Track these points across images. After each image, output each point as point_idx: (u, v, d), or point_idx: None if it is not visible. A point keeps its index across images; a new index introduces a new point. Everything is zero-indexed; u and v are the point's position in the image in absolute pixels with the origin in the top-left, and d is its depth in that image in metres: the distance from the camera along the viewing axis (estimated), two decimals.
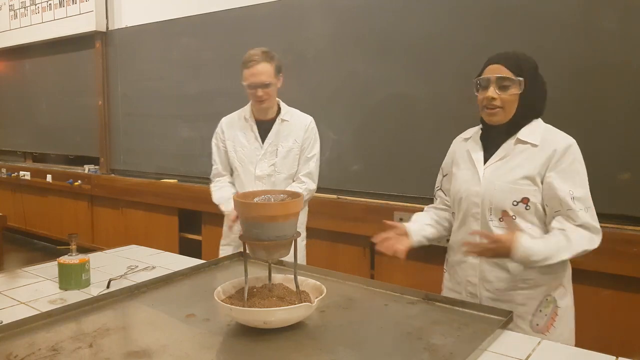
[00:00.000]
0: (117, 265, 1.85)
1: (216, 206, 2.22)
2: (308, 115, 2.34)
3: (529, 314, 1.46)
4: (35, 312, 1.34)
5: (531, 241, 1.39)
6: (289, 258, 1.36)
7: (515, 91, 1.44)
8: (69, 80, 4.73)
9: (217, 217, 2.45)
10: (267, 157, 2.24)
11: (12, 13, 5.07)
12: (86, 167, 4.65)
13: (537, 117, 1.51)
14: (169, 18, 3.83)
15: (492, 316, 1.33)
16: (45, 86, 4.98)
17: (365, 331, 1.25)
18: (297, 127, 2.28)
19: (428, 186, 2.63)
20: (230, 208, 2.09)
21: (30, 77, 5.15)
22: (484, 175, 1.50)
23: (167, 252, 2.10)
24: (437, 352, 1.13)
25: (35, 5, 4.81)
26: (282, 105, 2.32)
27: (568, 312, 1.51)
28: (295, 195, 1.28)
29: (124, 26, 4.26)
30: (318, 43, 3.04)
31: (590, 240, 1.41)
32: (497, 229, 1.47)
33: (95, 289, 1.59)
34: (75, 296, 1.52)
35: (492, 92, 1.45)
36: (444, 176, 1.70)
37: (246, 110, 2.29)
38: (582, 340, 1.52)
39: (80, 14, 4.41)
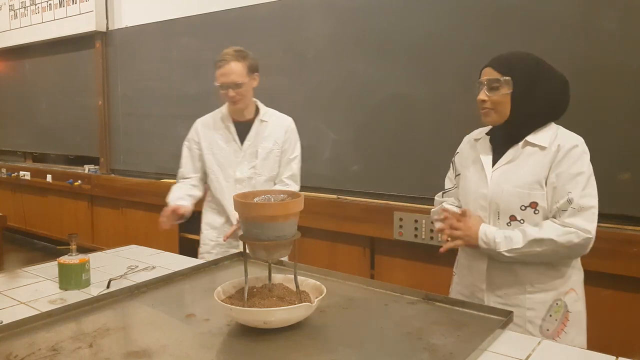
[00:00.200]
0: (117, 265, 1.85)
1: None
2: (288, 116, 2.29)
3: (539, 318, 1.45)
4: (35, 312, 1.34)
5: (494, 227, 1.46)
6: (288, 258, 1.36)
7: (505, 91, 1.44)
8: (69, 80, 4.73)
9: None
10: (247, 159, 2.18)
11: (12, 13, 5.07)
12: (86, 167, 4.65)
13: (548, 121, 1.49)
14: (169, 18, 3.83)
15: (492, 316, 1.33)
16: (45, 86, 4.98)
17: (365, 331, 1.25)
18: (277, 128, 2.22)
19: (428, 186, 2.64)
20: (174, 204, 2.06)
21: (30, 77, 5.15)
22: (492, 178, 1.50)
23: (167, 252, 2.10)
24: (437, 352, 1.13)
25: (35, 5, 4.81)
26: (260, 105, 2.25)
27: (580, 318, 1.50)
28: (295, 195, 1.28)
29: (124, 26, 4.26)
30: (318, 43, 3.04)
31: (564, 235, 1.38)
32: None
33: (95, 289, 1.59)
34: (75, 296, 1.52)
35: (482, 94, 1.48)
36: (457, 175, 1.67)
37: (222, 111, 2.23)
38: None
39: (80, 14, 4.41)
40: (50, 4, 4.66)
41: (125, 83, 4.22)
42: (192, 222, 2.71)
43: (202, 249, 2.27)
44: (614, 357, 1.13)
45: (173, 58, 3.87)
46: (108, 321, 1.32)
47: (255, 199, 1.28)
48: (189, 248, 3.65)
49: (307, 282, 1.37)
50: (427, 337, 1.21)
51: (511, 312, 1.33)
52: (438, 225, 1.62)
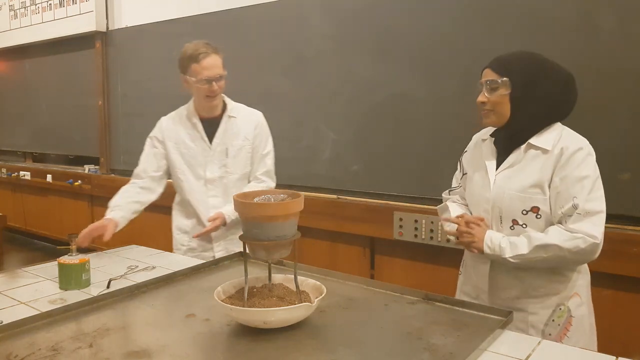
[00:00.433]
0: (117, 265, 1.85)
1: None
2: (257, 111, 2.23)
3: (541, 323, 1.45)
4: (35, 312, 1.34)
5: (500, 233, 1.45)
6: (288, 258, 1.36)
7: (503, 92, 1.43)
8: (69, 80, 4.73)
9: None
10: (217, 158, 2.11)
11: (12, 13, 5.06)
12: (86, 167, 4.65)
13: (553, 122, 1.47)
14: (169, 18, 3.83)
15: (492, 316, 1.33)
16: (45, 86, 4.97)
17: (365, 331, 1.25)
18: (246, 123, 2.15)
19: (428, 186, 2.65)
20: (111, 216, 1.96)
21: (30, 77, 5.15)
22: (495, 182, 1.49)
23: (167, 252, 2.10)
24: (437, 352, 1.13)
25: (35, 5, 4.80)
26: (228, 100, 2.17)
27: (584, 322, 1.48)
28: (295, 195, 1.28)
29: (124, 26, 4.26)
30: (318, 43, 3.04)
31: (570, 241, 1.35)
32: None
33: (95, 289, 1.59)
34: (75, 296, 1.52)
35: (481, 96, 1.47)
36: (463, 174, 1.66)
37: (188, 108, 2.15)
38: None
39: (80, 14, 4.41)
40: (50, 4, 4.66)
41: (125, 83, 4.22)
42: None
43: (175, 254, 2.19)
44: (614, 357, 1.13)
45: (173, 58, 3.84)
46: (108, 321, 1.32)
47: (255, 199, 1.28)
48: None
49: (307, 282, 1.37)
50: (427, 337, 1.21)
51: (511, 312, 1.33)
52: (447, 227, 1.61)
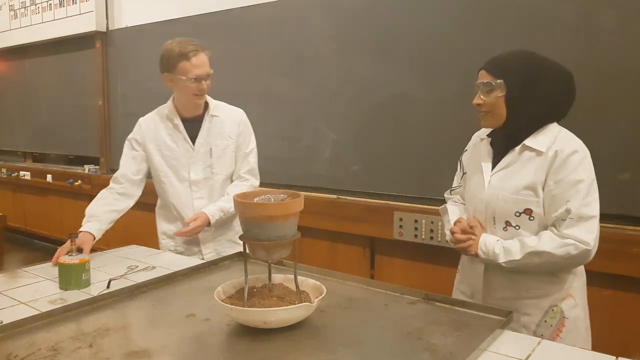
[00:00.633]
0: (117, 265, 1.85)
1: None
2: (239, 109, 2.18)
3: (534, 324, 1.45)
4: (35, 312, 1.34)
5: (494, 237, 1.45)
6: (288, 258, 1.36)
7: (498, 94, 1.42)
8: (69, 80, 4.73)
9: None
10: (200, 159, 2.06)
11: (12, 13, 5.06)
12: (86, 167, 4.65)
13: (550, 121, 1.46)
14: (169, 18, 3.83)
15: (492, 316, 1.33)
16: (45, 86, 4.97)
17: (365, 331, 1.25)
18: (229, 122, 2.11)
19: (428, 186, 2.65)
20: (87, 229, 1.93)
21: (30, 77, 5.15)
22: (490, 183, 1.48)
23: (167, 252, 2.10)
24: (437, 352, 1.13)
25: (35, 5, 4.80)
26: (209, 99, 2.10)
27: (578, 324, 1.48)
28: (295, 195, 1.28)
29: (124, 26, 4.26)
30: (318, 43, 3.04)
31: (562, 247, 1.35)
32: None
33: (95, 289, 1.59)
34: (75, 296, 1.52)
35: (476, 98, 1.46)
36: (463, 174, 1.66)
37: (168, 108, 2.08)
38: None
39: (80, 14, 4.41)
40: (50, 4, 4.66)
41: (125, 83, 4.22)
42: None
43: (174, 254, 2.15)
44: (614, 357, 1.13)
45: None
46: (108, 321, 1.32)
47: (255, 199, 1.28)
48: None
49: (307, 282, 1.37)
50: (427, 337, 1.21)
51: (511, 312, 1.33)
52: (446, 232, 1.62)
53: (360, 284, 1.58)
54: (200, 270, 1.74)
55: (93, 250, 2.09)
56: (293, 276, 1.31)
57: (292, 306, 1.22)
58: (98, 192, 2.11)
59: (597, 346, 1.32)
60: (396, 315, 1.35)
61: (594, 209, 1.37)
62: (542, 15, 2.28)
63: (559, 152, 1.38)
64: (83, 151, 4.71)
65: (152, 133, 2.09)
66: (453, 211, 1.65)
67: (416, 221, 2.62)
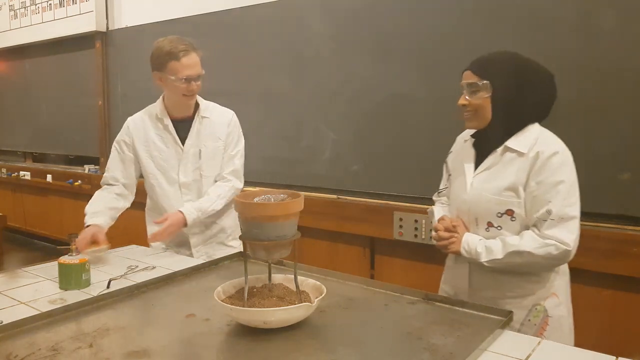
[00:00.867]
0: (117, 265, 1.85)
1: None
2: (229, 110, 2.14)
3: (517, 322, 1.46)
4: (35, 312, 1.34)
5: (477, 236, 1.47)
6: (288, 258, 1.36)
7: (484, 94, 1.43)
8: (69, 80, 4.73)
9: None
10: (190, 161, 2.03)
11: (12, 13, 5.06)
12: (86, 167, 4.65)
13: (532, 122, 1.47)
14: (169, 18, 3.83)
15: (492, 316, 1.33)
16: (45, 86, 4.97)
17: (365, 331, 1.25)
18: (219, 123, 2.07)
19: (428, 186, 2.63)
20: (94, 222, 1.92)
21: (30, 77, 5.15)
22: (472, 184, 1.50)
23: (167, 252, 2.10)
24: (437, 352, 1.13)
25: (35, 5, 4.80)
26: (200, 99, 2.07)
27: (562, 322, 1.49)
28: (295, 195, 1.28)
29: (124, 26, 4.26)
30: (318, 43, 3.04)
31: (543, 247, 1.37)
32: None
33: (95, 289, 1.59)
34: (75, 296, 1.52)
35: (462, 99, 1.47)
36: (449, 175, 1.68)
37: (157, 108, 2.04)
38: (582, 340, 1.52)
39: (80, 14, 4.41)
40: (50, 4, 4.66)
41: (125, 83, 4.22)
42: None
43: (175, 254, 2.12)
44: (614, 357, 1.13)
45: None
46: (108, 321, 1.32)
47: (255, 199, 1.28)
48: None
49: (307, 282, 1.37)
50: (427, 337, 1.21)
51: (511, 312, 1.33)
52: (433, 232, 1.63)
53: (360, 284, 1.58)
54: (200, 270, 1.74)
55: None
56: (293, 276, 1.31)
57: (292, 306, 1.22)
58: (88, 205, 2.10)
59: (597, 346, 1.32)
60: (396, 315, 1.35)
61: (575, 209, 1.39)
62: (542, 15, 2.28)
63: (540, 154, 1.40)
64: (83, 151, 4.71)
65: (141, 134, 2.06)
66: (439, 212, 1.67)
67: (416, 221, 2.62)
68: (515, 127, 1.45)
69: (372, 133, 2.85)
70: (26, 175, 5.14)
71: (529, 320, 1.46)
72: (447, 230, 1.52)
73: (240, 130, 2.15)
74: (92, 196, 2.14)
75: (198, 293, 1.54)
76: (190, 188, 2.05)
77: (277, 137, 3.25)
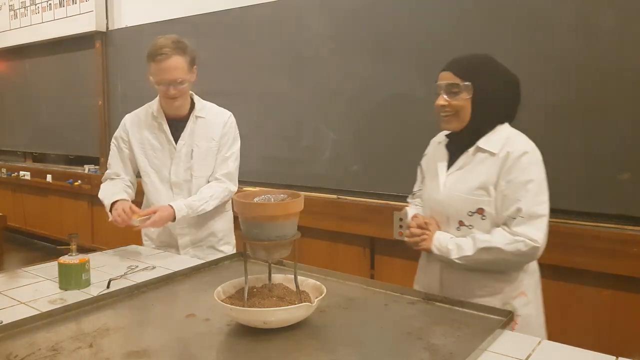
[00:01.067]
0: (117, 265, 1.85)
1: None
2: (226, 110, 2.11)
3: None
4: (35, 312, 1.34)
5: (448, 234, 1.49)
6: (288, 258, 1.36)
7: (465, 96, 1.44)
8: (69, 80, 4.73)
9: None
10: (181, 160, 2.01)
11: (12, 13, 5.07)
12: (86, 167, 4.65)
13: (502, 122, 1.50)
14: (169, 18, 3.83)
15: (492, 316, 1.33)
16: (45, 86, 4.98)
17: (365, 331, 1.25)
18: (214, 123, 2.04)
19: None
20: (117, 198, 1.91)
21: (30, 77, 5.15)
22: (445, 184, 1.52)
23: (167, 252, 2.09)
24: (437, 352, 1.13)
25: (35, 5, 4.81)
26: (197, 99, 2.06)
27: (530, 321, 1.50)
28: (295, 195, 1.28)
29: (124, 26, 4.26)
30: (318, 43, 3.04)
31: (512, 244, 1.39)
32: None
33: (95, 289, 1.59)
34: (75, 296, 1.52)
35: (441, 99, 1.48)
36: (423, 177, 1.71)
37: (154, 106, 2.04)
38: (582, 340, 1.52)
39: (80, 14, 4.41)
40: (50, 4, 4.66)
41: (125, 83, 4.22)
42: None
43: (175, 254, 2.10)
44: (614, 357, 1.13)
45: None
46: (108, 321, 1.32)
47: (255, 199, 1.28)
48: None
49: (307, 282, 1.37)
50: (427, 337, 1.21)
51: (511, 312, 1.33)
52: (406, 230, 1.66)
53: (360, 284, 1.58)
54: (200, 270, 1.74)
55: (92, 250, 2.08)
56: (293, 276, 1.31)
57: (292, 306, 1.22)
58: (98, 192, 2.10)
59: (597, 346, 1.32)
60: (396, 315, 1.35)
61: (544, 208, 1.42)
62: (542, 15, 2.28)
63: (510, 154, 1.42)
64: (83, 151, 4.71)
65: (137, 131, 2.06)
66: (412, 212, 1.69)
67: None
68: (488, 127, 1.49)
69: (372, 133, 2.85)
70: (26, 175, 5.14)
71: None
72: (419, 227, 1.55)
73: (237, 132, 2.12)
74: (92, 196, 2.14)
75: (198, 293, 1.54)
76: (181, 188, 2.04)
77: (277, 137, 3.25)
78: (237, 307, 1.22)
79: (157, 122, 2.04)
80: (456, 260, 1.45)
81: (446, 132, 1.59)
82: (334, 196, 3.00)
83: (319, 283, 1.35)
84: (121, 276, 1.71)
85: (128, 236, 2.24)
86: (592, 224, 2.19)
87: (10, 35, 5.10)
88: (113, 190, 2.01)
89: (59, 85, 4.83)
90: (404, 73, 2.70)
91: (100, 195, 2.03)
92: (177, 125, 2.03)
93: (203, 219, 2.09)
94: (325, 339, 1.21)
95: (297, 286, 1.30)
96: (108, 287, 1.60)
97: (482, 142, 1.47)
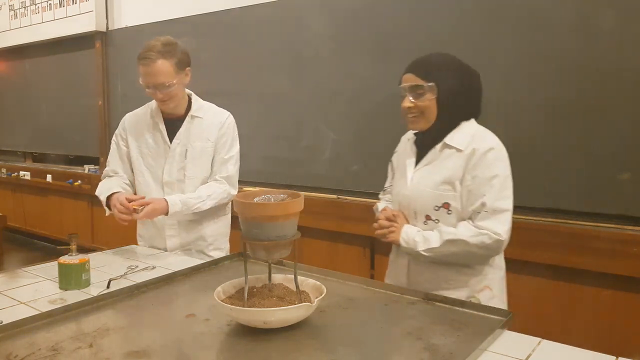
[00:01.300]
0: (117, 265, 1.85)
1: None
2: (225, 111, 2.08)
3: None
4: (35, 312, 1.33)
5: (416, 227, 1.53)
6: (288, 258, 1.36)
7: (430, 96, 1.48)
8: (69, 80, 4.73)
9: None
10: (175, 160, 1.98)
11: (12, 13, 5.07)
12: (86, 167, 4.65)
13: (468, 119, 1.53)
14: (169, 18, 3.83)
15: (492, 316, 1.33)
16: (45, 86, 4.98)
17: (365, 331, 1.25)
18: (211, 124, 2.01)
19: None
20: (112, 191, 1.90)
21: (30, 77, 5.15)
22: (412, 179, 1.56)
23: (167, 252, 2.09)
24: (437, 352, 1.13)
25: (35, 5, 4.81)
26: (195, 99, 2.04)
27: None
28: (295, 195, 1.28)
29: (124, 26, 4.27)
30: (318, 43, 3.04)
31: (477, 237, 1.43)
32: None
33: (95, 289, 1.59)
34: (75, 296, 1.52)
35: (406, 101, 1.51)
36: (393, 174, 1.74)
37: (152, 105, 2.03)
38: (582, 340, 1.52)
39: (80, 14, 4.41)
40: (50, 4, 4.66)
41: (125, 83, 4.22)
42: None
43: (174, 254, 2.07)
44: (614, 357, 1.13)
45: None
46: (108, 321, 1.32)
47: (255, 199, 1.28)
48: None
49: (307, 282, 1.37)
50: (427, 337, 1.21)
51: (511, 312, 1.33)
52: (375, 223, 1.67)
53: (360, 284, 1.57)
54: (200, 270, 1.74)
55: (92, 250, 2.08)
56: (293, 276, 1.31)
57: (292, 306, 1.22)
58: (97, 190, 2.10)
59: (597, 346, 1.32)
60: (396, 315, 1.35)
61: (508, 203, 1.45)
62: (542, 15, 2.28)
63: (477, 150, 1.46)
64: (83, 151, 4.72)
65: (135, 129, 2.05)
66: (382, 206, 1.73)
67: None
68: (454, 124, 1.52)
69: (372, 133, 2.85)
70: (26, 175, 5.14)
71: None
72: (387, 220, 1.58)
73: (236, 133, 2.08)
74: (92, 196, 2.13)
75: (198, 293, 1.54)
76: (173, 188, 2.01)
77: (277, 137, 3.25)
78: (237, 307, 1.22)
79: (154, 121, 2.03)
80: (423, 252, 1.49)
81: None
82: (334, 196, 3.00)
83: (319, 283, 1.35)
84: (121, 276, 1.71)
85: (128, 236, 2.24)
86: (592, 224, 2.19)
87: (10, 35, 5.10)
88: (109, 185, 2.01)
89: (59, 85, 4.83)
90: None
91: (97, 192, 2.03)
92: (174, 124, 2.02)
93: (193, 221, 2.06)
94: (325, 339, 1.21)
95: (297, 286, 1.30)
96: (108, 287, 1.60)
97: (448, 139, 1.51)
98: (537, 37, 2.29)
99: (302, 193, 1.29)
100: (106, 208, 1.97)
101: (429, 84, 1.47)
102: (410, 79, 1.51)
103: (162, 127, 2.02)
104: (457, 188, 1.48)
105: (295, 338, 1.20)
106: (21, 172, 5.19)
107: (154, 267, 1.82)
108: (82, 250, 1.67)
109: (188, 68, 1.96)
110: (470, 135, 1.49)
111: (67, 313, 1.35)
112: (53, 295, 1.54)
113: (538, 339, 1.24)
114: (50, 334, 1.24)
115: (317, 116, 3.07)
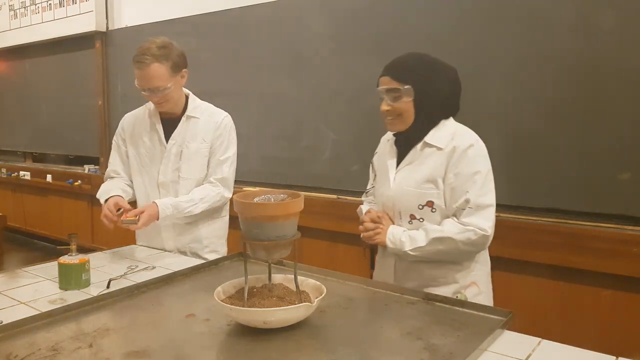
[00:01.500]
0: (117, 265, 1.85)
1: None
2: (222, 111, 2.04)
3: None
4: (35, 312, 1.33)
5: (401, 227, 1.53)
6: (288, 258, 1.35)
7: (407, 99, 1.48)
8: (69, 80, 4.73)
9: None
10: (170, 160, 1.97)
11: (12, 13, 5.07)
12: (86, 167, 4.65)
13: (446, 117, 1.54)
14: (169, 18, 3.83)
15: (492, 316, 1.33)
16: (45, 86, 4.98)
17: (365, 331, 1.25)
18: (207, 124, 1.98)
19: None
20: (110, 195, 1.89)
21: (30, 77, 5.15)
22: (394, 179, 1.57)
23: (167, 252, 2.09)
24: (437, 352, 1.13)
25: (35, 5, 4.81)
26: (192, 99, 2.02)
27: None
28: (295, 195, 1.28)
29: (124, 26, 4.27)
30: (318, 43, 3.04)
31: (463, 233, 1.44)
32: None
33: (95, 289, 1.59)
34: (75, 296, 1.52)
35: (384, 105, 1.52)
36: (375, 175, 1.75)
37: (150, 106, 2.01)
38: (582, 340, 1.52)
39: (80, 14, 4.41)
40: (50, 4, 4.66)
41: (125, 83, 4.22)
42: None
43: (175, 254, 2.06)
44: (614, 357, 1.13)
45: None
46: (108, 321, 1.32)
47: (255, 199, 1.28)
48: None
49: (307, 282, 1.37)
50: (427, 337, 1.21)
51: (511, 312, 1.33)
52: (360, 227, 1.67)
53: (360, 284, 1.57)
54: (200, 270, 1.74)
55: (92, 250, 2.08)
56: (293, 276, 1.31)
57: (292, 306, 1.22)
58: (98, 192, 2.10)
59: (597, 346, 1.32)
60: (396, 315, 1.35)
61: (491, 198, 1.47)
62: (542, 15, 2.28)
63: (457, 148, 1.47)
64: (83, 151, 4.72)
65: (132, 129, 2.05)
66: (365, 208, 1.73)
67: None
68: (433, 124, 1.53)
69: (372, 133, 2.84)
70: (26, 175, 5.14)
71: None
72: (372, 221, 1.58)
73: (233, 135, 2.05)
74: (92, 196, 2.13)
75: (198, 293, 1.54)
76: (168, 189, 1.99)
77: (277, 137, 3.25)
78: (237, 307, 1.22)
79: (151, 121, 2.02)
80: (410, 252, 1.49)
81: None
82: (334, 196, 3.00)
83: (319, 283, 1.35)
84: (121, 276, 1.71)
85: (128, 236, 2.24)
86: (592, 224, 2.19)
87: (10, 35, 5.10)
88: (109, 187, 2.00)
89: (59, 85, 4.84)
90: None
91: (98, 194, 2.03)
92: (172, 125, 2.01)
93: (189, 223, 2.04)
94: (325, 339, 1.21)
95: (297, 286, 1.30)
96: (108, 287, 1.60)
97: (429, 138, 1.52)
98: (537, 37, 2.29)
99: (302, 193, 1.29)
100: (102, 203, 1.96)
101: (406, 86, 1.47)
102: (386, 82, 1.51)
103: (160, 128, 2.01)
104: (440, 186, 1.49)
105: (295, 338, 1.20)
106: (21, 172, 5.19)
107: (153, 267, 1.82)
108: (82, 250, 1.67)
109: (184, 70, 1.94)
110: (450, 134, 1.51)
111: (67, 313, 1.35)
112: (53, 295, 1.54)
113: (538, 339, 1.24)
114: (50, 334, 1.24)
115: (317, 116, 3.07)
